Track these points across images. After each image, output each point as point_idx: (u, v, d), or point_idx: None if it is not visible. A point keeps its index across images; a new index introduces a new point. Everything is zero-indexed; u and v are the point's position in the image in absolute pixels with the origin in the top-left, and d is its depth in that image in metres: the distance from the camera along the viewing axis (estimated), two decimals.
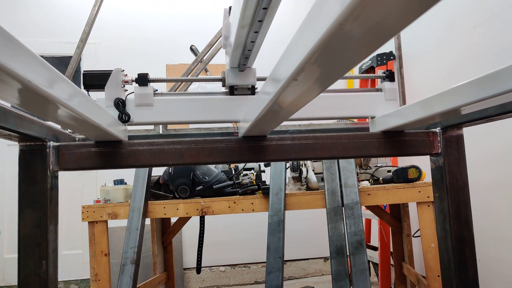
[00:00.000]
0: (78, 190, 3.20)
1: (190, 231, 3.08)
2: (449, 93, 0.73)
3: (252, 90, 1.06)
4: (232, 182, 1.93)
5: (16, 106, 0.53)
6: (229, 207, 1.75)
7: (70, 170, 0.91)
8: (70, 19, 3.41)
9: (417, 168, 1.70)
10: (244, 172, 2.04)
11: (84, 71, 1.02)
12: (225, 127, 1.38)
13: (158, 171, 2.03)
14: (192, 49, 2.80)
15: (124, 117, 0.97)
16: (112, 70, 1.00)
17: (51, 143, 0.88)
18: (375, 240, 2.70)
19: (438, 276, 1.58)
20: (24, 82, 0.43)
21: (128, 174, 2.00)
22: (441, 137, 0.94)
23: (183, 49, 3.01)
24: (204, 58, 1.60)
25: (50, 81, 0.50)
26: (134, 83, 1.03)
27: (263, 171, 2.14)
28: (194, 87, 3.28)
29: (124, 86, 1.02)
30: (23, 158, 0.86)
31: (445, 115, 0.81)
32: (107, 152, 0.91)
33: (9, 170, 3.26)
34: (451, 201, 0.90)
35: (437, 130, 0.96)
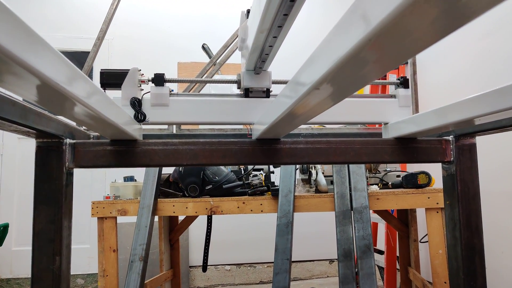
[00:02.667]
0: (87, 185, 3.23)
1: (196, 229, 3.10)
2: (464, 103, 0.73)
3: (267, 93, 1.07)
4: (241, 182, 1.93)
5: (29, 101, 0.53)
6: (238, 207, 1.76)
7: (85, 168, 0.92)
8: (82, 14, 3.44)
9: (426, 174, 1.70)
10: (254, 173, 2.04)
11: (101, 69, 1.03)
12: (238, 128, 1.39)
13: (168, 169, 2.05)
14: (204, 47, 2.80)
15: (140, 117, 0.98)
16: (128, 70, 1.02)
17: (68, 141, 0.90)
18: (381, 244, 2.69)
19: (445, 282, 1.57)
20: (44, 79, 0.42)
21: (138, 171, 2.02)
22: (453, 145, 0.94)
23: (194, 48, 3.02)
24: (218, 60, 1.61)
25: (70, 79, 0.50)
26: (150, 82, 1.04)
27: (272, 172, 2.14)
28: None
29: (140, 86, 1.03)
30: (40, 154, 0.87)
31: (459, 125, 0.81)
32: (122, 151, 0.93)
33: (19, 163, 3.29)
34: (462, 209, 0.90)
35: (450, 138, 0.96)
